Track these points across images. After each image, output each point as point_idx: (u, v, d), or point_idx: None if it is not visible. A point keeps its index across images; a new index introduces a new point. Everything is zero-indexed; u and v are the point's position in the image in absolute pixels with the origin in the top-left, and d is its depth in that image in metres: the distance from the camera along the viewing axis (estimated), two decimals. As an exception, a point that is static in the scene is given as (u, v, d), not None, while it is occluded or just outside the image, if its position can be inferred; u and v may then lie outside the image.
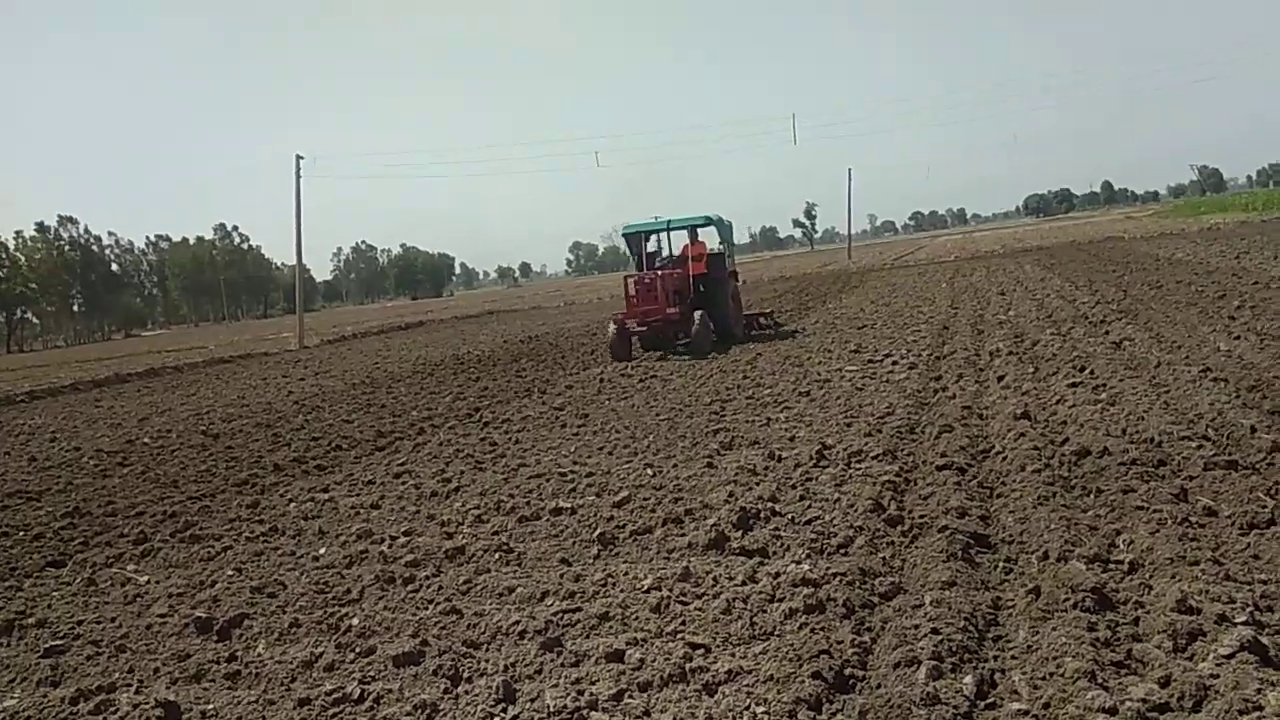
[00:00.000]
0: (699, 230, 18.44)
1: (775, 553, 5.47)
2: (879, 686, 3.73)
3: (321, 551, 6.65)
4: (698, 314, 16.72)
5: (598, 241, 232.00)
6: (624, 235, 19.06)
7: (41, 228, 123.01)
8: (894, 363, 12.34)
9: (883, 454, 7.33)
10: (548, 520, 6.78)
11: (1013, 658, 3.89)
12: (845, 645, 4.07)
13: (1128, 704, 3.30)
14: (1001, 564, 4.96)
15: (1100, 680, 3.48)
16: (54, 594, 6.45)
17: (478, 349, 25.29)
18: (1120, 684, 3.49)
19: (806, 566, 5.00)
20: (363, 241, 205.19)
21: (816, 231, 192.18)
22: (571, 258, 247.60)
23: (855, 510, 5.95)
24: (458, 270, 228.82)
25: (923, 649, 3.87)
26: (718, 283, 18.13)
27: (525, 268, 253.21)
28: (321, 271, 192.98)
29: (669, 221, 18.32)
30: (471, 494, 7.92)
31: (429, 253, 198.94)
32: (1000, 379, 10.04)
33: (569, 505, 7.03)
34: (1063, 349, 11.57)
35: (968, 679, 3.66)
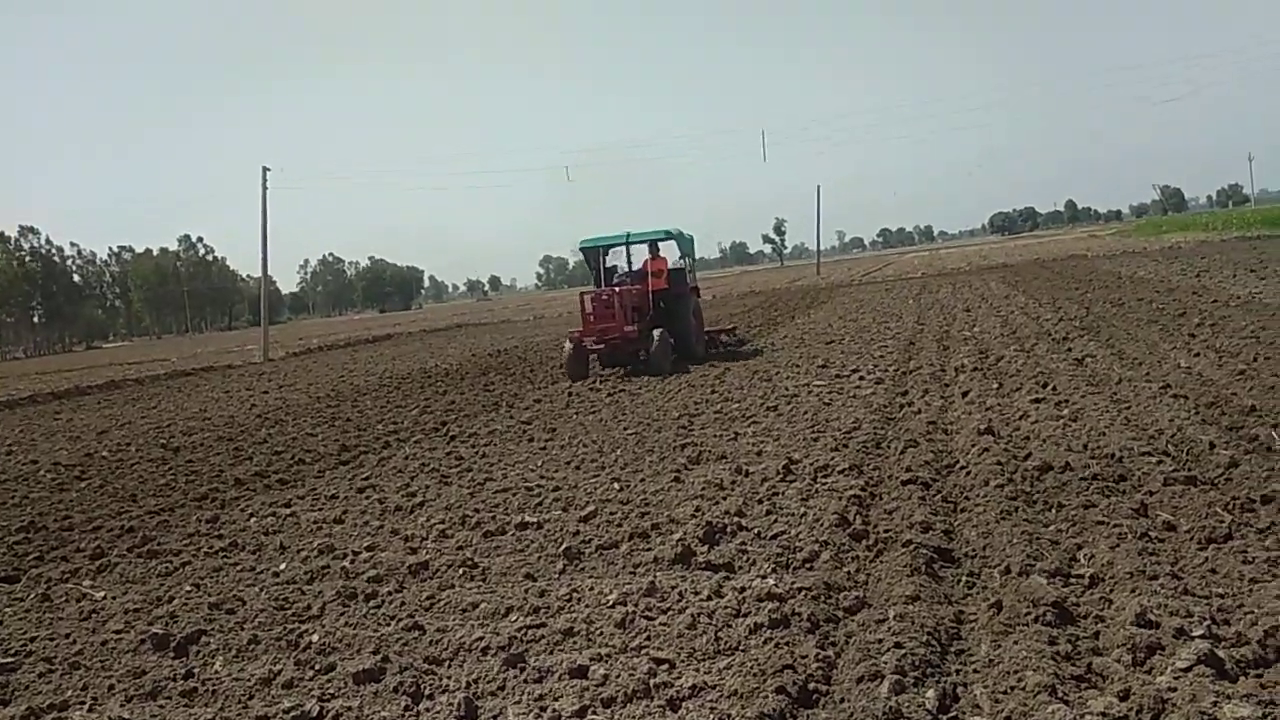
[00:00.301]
0: (659, 245, 18.10)
1: (741, 567, 5.46)
2: (842, 701, 3.73)
3: (282, 567, 6.55)
4: (657, 332, 16.00)
5: (568, 255, 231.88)
6: (581, 249, 18.47)
7: (1, 238, 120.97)
8: (861, 378, 12.41)
9: (849, 469, 7.36)
10: (513, 535, 6.73)
11: (975, 671, 3.91)
12: (809, 660, 4.07)
13: (1087, 717, 3.32)
14: (965, 578, 4.99)
15: (1061, 694, 3.50)
16: (6, 610, 6.29)
17: (445, 362, 25.14)
18: (1080, 698, 3.51)
19: (772, 581, 5.00)
20: (330, 254, 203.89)
21: (786, 247, 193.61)
22: (542, 271, 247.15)
23: (821, 525, 5.96)
24: (426, 283, 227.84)
25: (886, 663, 3.88)
26: (679, 299, 17.57)
27: (495, 281, 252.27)
28: (288, 284, 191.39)
29: (628, 235, 17.79)
30: (436, 508, 7.84)
31: (398, 265, 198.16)
32: (965, 394, 10.14)
33: (535, 520, 6.98)
34: (1026, 365, 11.71)
35: (930, 693, 3.67)
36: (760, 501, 6.76)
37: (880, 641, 4.13)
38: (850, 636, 4.35)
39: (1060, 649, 3.90)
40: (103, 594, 6.36)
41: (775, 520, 6.23)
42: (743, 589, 4.96)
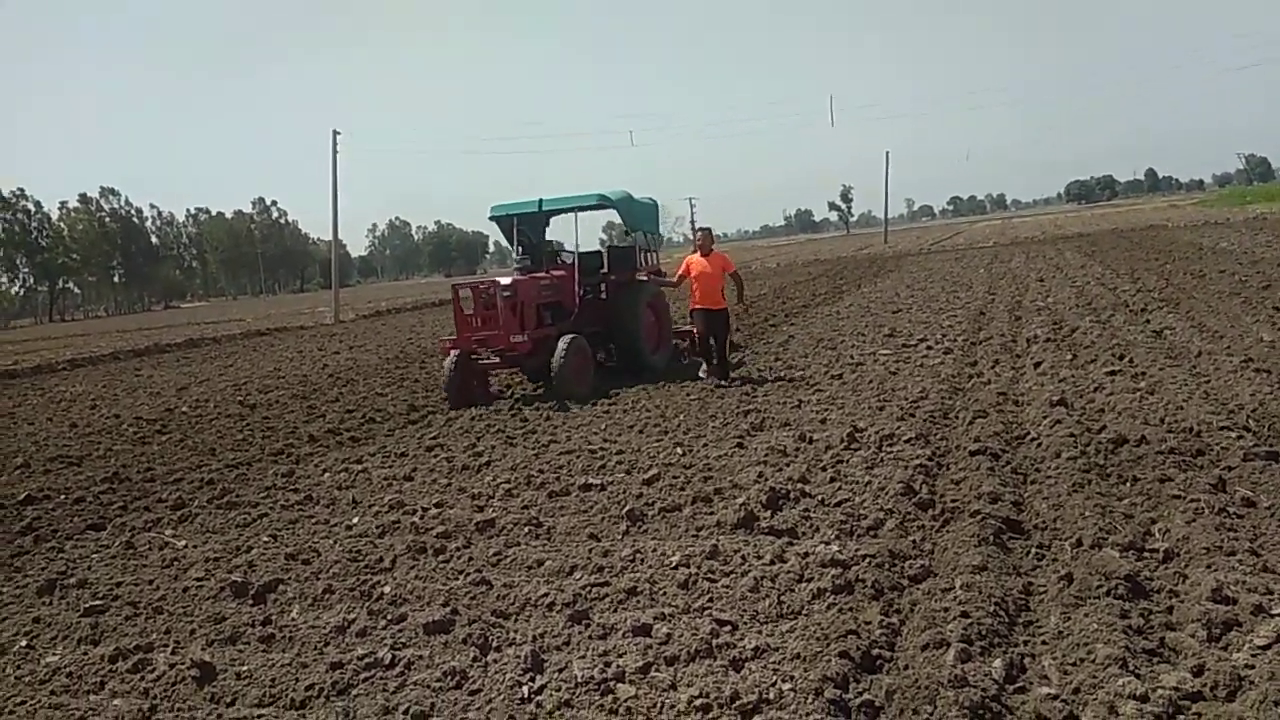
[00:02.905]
0: (589, 213, 13.29)
1: (804, 533, 5.47)
2: (906, 668, 3.73)
3: (354, 521, 6.74)
4: (563, 340, 11.23)
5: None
6: (493, 219, 13.33)
7: (84, 199, 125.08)
8: (928, 347, 12.23)
9: (915, 438, 7.28)
10: (577, 496, 6.82)
11: (1043, 643, 3.87)
12: (873, 626, 4.07)
13: (1160, 692, 3.26)
14: (1034, 550, 4.92)
15: (1132, 667, 3.45)
16: (94, 556, 6.59)
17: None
18: (1152, 672, 3.45)
19: (835, 547, 5.00)
20: (397, 218, 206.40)
21: (853, 215, 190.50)
22: (605, 237, 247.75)
23: (886, 493, 5.93)
24: (491, 248, 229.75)
25: (952, 631, 3.86)
26: (624, 289, 12.88)
27: (560, 245, 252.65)
28: (357, 247, 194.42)
29: (540, 202, 12.89)
30: (502, 468, 7.97)
31: (463, 230, 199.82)
32: (1037, 365, 9.92)
33: (598, 482, 7.06)
34: (1102, 336, 11.41)
35: (996, 662, 3.64)
36: (824, 469, 6.73)
37: (946, 610, 4.11)
38: (915, 604, 4.33)
39: (1132, 623, 3.83)
40: (184, 543, 6.62)
41: (839, 488, 6.21)
42: (806, 554, 4.97)
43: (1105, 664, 3.46)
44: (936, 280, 25.15)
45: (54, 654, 4.80)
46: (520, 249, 13.07)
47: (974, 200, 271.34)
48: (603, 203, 12.82)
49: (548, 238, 13.65)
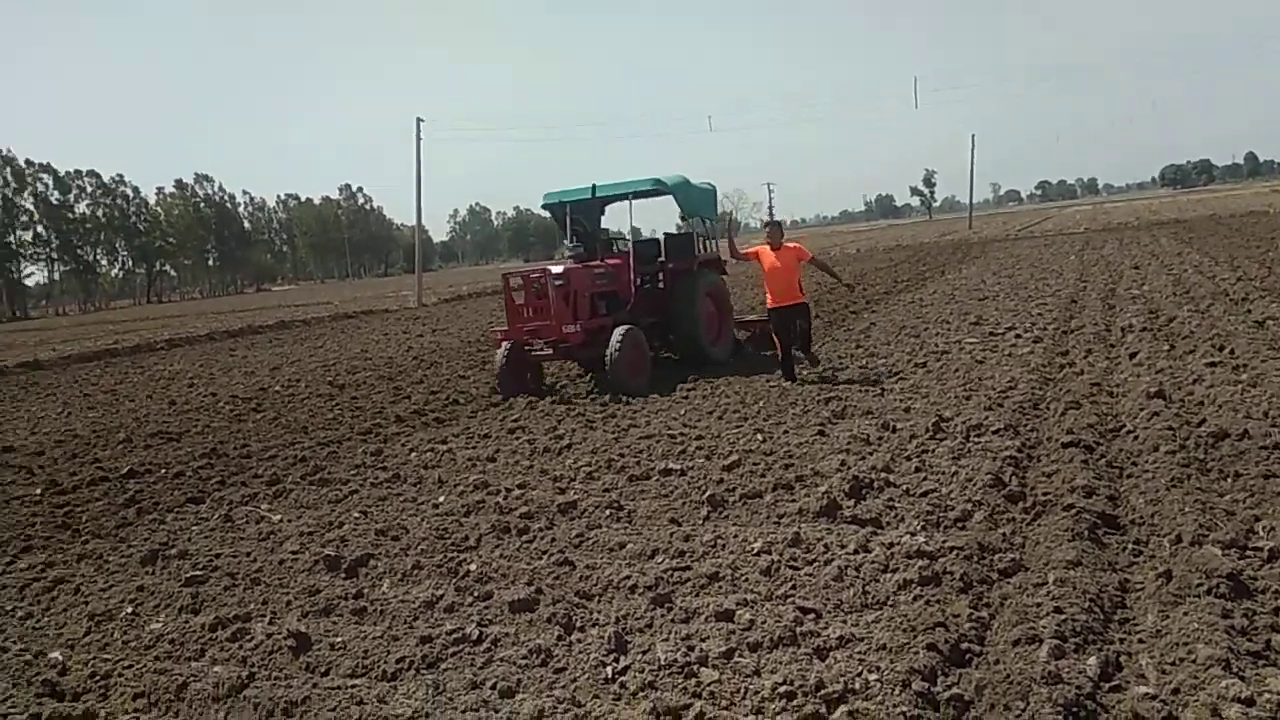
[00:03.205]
0: (648, 199, 13.03)
1: (889, 523, 5.40)
2: (997, 662, 3.66)
3: (441, 499, 6.88)
4: (618, 331, 10.88)
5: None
6: (545, 207, 13.01)
7: (180, 185, 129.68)
8: (1017, 336, 11.92)
9: (1004, 428, 7.12)
10: (657, 480, 6.85)
11: (1140, 641, 3.76)
12: (962, 619, 4.00)
13: (1266, 696, 3.14)
14: (1130, 546, 4.78)
15: (1235, 669, 3.33)
16: (194, 528, 6.87)
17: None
18: (1258, 674, 3.33)
19: (922, 538, 4.93)
20: (478, 203, 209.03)
21: (935, 200, 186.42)
22: (681, 224, 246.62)
23: (974, 484, 5.82)
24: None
25: (1044, 627, 3.78)
26: (682, 277, 12.44)
27: (636, 232, 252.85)
28: (439, 233, 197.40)
29: (593, 188, 12.39)
30: (583, 451, 8.05)
31: (541, 216, 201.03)
32: (1132, 356, 9.60)
33: (678, 467, 7.07)
34: (1201, 327, 10.96)
35: (1092, 660, 3.55)
36: (909, 458, 6.63)
37: (1039, 605, 4.02)
38: (1005, 599, 4.25)
39: (1235, 623, 3.70)
40: (279, 517, 6.86)
41: (925, 478, 6.11)
42: (891, 545, 4.91)
43: (1206, 665, 3.34)
44: (1024, 267, 24.47)
45: (157, 621, 5.02)
46: (574, 237, 12.63)
47: (1063, 184, 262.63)
48: (658, 188, 12.37)
49: (610, 225, 13.45)
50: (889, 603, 4.28)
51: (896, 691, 3.45)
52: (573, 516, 6.20)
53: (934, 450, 6.78)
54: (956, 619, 4.01)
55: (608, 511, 6.18)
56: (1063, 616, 3.85)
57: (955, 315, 15.03)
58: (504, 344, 11.34)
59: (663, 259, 12.80)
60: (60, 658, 4.57)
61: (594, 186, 12.33)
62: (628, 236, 13.06)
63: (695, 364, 12.00)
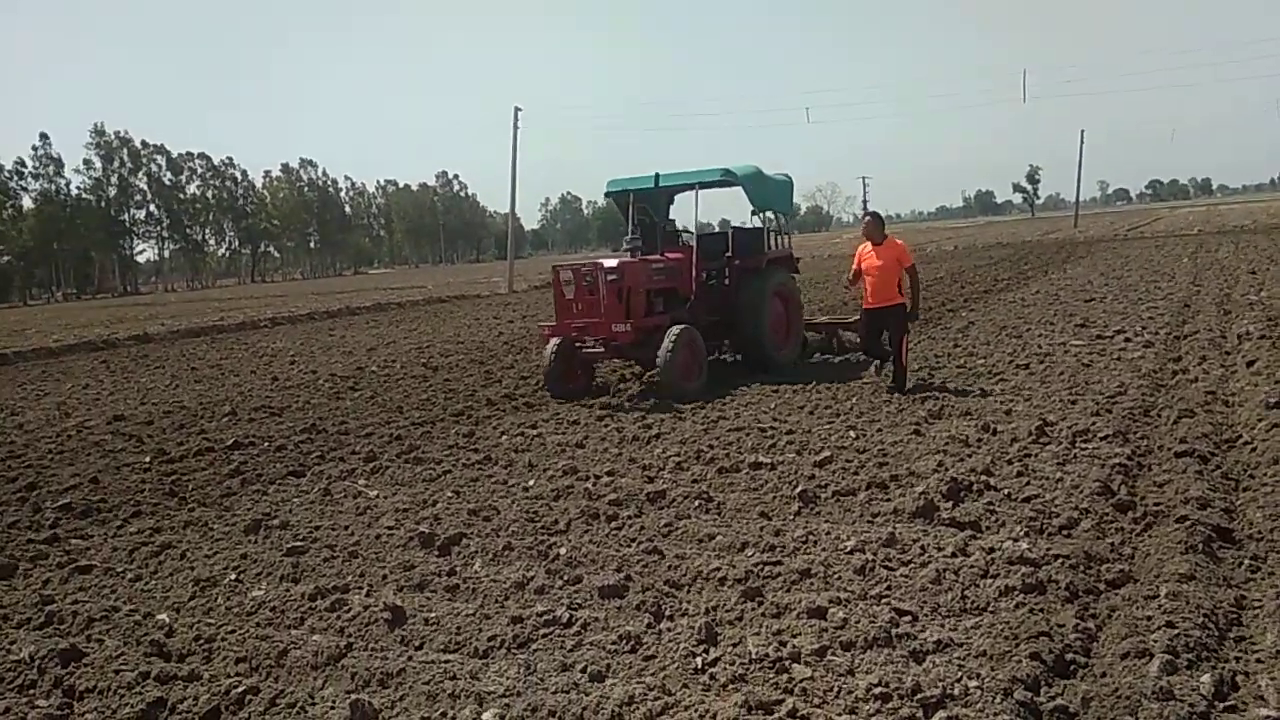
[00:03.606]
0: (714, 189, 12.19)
1: (989, 527, 5.23)
2: (1104, 675, 3.51)
3: (531, 483, 6.95)
4: (672, 331, 10.22)
5: (799, 200, 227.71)
6: (609, 196, 12.53)
7: (286, 169, 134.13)
8: (1126, 340, 11.45)
9: (1112, 435, 6.84)
10: (747, 473, 6.79)
11: (1258, 661, 3.56)
12: (1067, 629, 3.85)
13: (1404, 729, 2.94)
14: (1247, 561, 4.53)
15: (1370, 699, 3.12)
16: (294, 500, 7.09)
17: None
18: (1394, 706, 3.11)
19: (1025, 545, 4.76)
20: (569, 192, 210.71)
21: (1039, 197, 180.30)
22: (772, 216, 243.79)
23: (1080, 491, 5.60)
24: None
25: (1155, 641, 3.61)
26: (749, 275, 11.74)
27: (724, 224, 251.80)
28: (530, 221, 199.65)
29: (656, 177, 11.78)
30: (671, 441, 8.03)
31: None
32: (1250, 364, 9.11)
33: (768, 460, 7.00)
34: (1328, 336, 10.35)
35: (1205, 677, 3.38)
36: (1010, 462, 6.42)
37: (1149, 619, 3.84)
38: (1114, 610, 4.07)
39: (1368, 650, 3.47)
40: (375, 493, 7.02)
41: (1028, 483, 5.91)
42: (991, 550, 4.75)
43: (1337, 692, 3.14)
44: (1134, 268, 23.52)
45: (259, 589, 5.18)
46: (638, 228, 12.00)
47: (1175, 184, 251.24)
48: (727, 178, 11.65)
49: (675, 216, 12.79)
50: (989, 609, 4.14)
51: (997, 700, 3.33)
52: (661, 506, 6.18)
53: (1037, 455, 6.55)
54: (1061, 629, 3.86)
55: (697, 502, 6.15)
56: (1175, 631, 3.67)
57: (1059, 316, 14.52)
58: (552, 340, 10.73)
59: (729, 255, 12.01)
60: (167, 620, 4.75)
61: (657, 175, 11.73)
62: (692, 229, 12.32)
63: (758, 368, 11.37)
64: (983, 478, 6.01)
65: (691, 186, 11.99)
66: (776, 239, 12.50)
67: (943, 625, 4.01)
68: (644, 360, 11.13)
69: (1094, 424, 7.19)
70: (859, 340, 10.27)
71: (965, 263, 32.81)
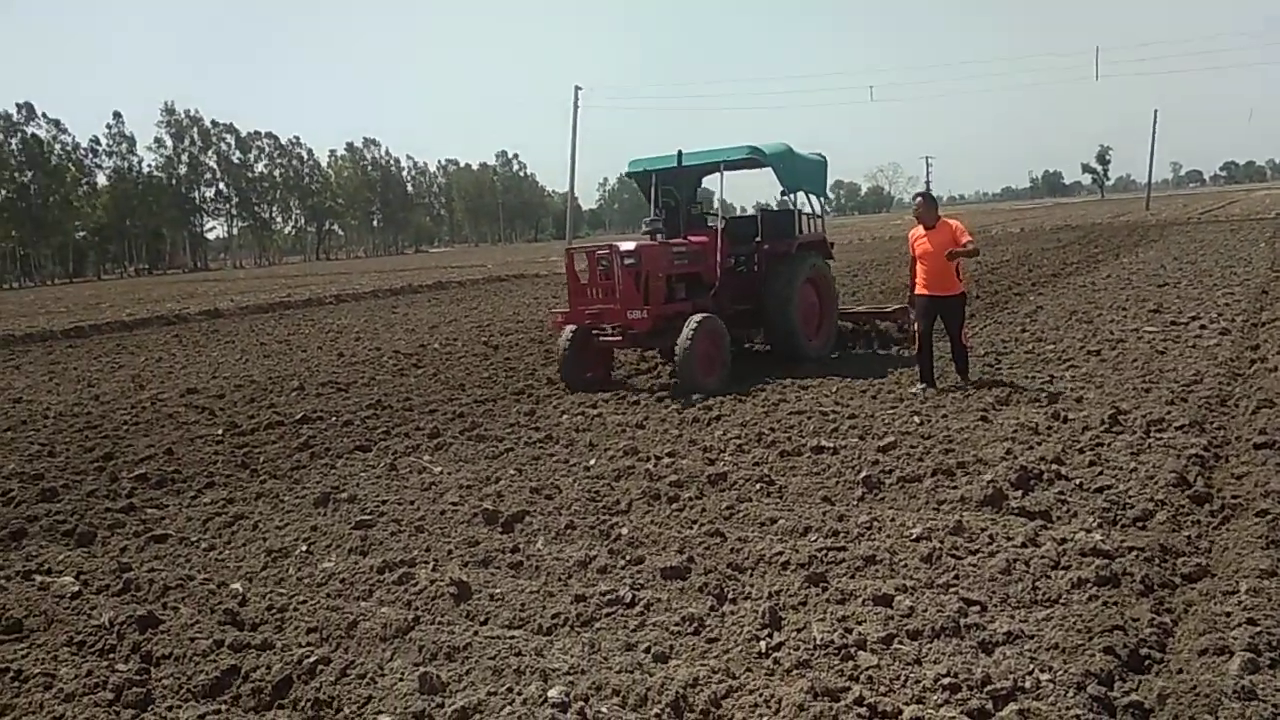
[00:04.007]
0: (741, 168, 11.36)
1: (1060, 518, 5.12)
2: (1181, 672, 3.42)
3: (592, 462, 6.98)
4: (693, 320, 9.56)
5: (860, 180, 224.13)
6: (630, 176, 12.14)
7: (350, 148, 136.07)
8: (1202, 326, 11.10)
9: (1188, 425, 6.64)
10: (809, 457, 6.73)
11: (1346, 663, 3.43)
12: (1142, 624, 3.76)
13: None
14: (1335, 560, 4.37)
15: None
16: (361, 474, 7.21)
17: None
18: None
19: (1098, 536, 4.65)
20: (626, 173, 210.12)
21: (1109, 179, 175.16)
22: (832, 196, 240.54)
23: (1155, 483, 5.45)
24: (715, 205, 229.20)
25: (1236, 639, 3.50)
26: (779, 261, 11.07)
27: (729, 208, 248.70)
28: (588, 200, 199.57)
29: (679, 155, 11.06)
30: (732, 423, 8.00)
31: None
32: (1336, 354, 8.77)
33: (830, 445, 6.93)
34: None
35: (1291, 679, 3.27)
36: (1081, 451, 6.28)
37: (1228, 615, 3.73)
38: (1190, 605, 3.96)
39: None
40: (440, 469, 7.11)
41: (1100, 472, 5.77)
42: (1063, 540, 4.65)
43: None
44: (1209, 253, 22.75)
45: (329, 560, 5.29)
46: (662, 210, 11.26)
47: (1252, 166, 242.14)
48: (754, 157, 10.92)
49: (707, 198, 12.25)
50: (1061, 601, 4.06)
51: (1070, 694, 3.27)
52: (722, 488, 6.17)
53: (1110, 444, 6.39)
54: (1136, 623, 3.77)
55: (758, 485, 6.12)
56: (1257, 629, 3.56)
57: (1132, 301, 14.12)
58: (567, 328, 10.21)
59: (759, 239, 11.30)
60: (241, 589, 4.87)
61: (680, 154, 11.00)
62: (718, 211, 11.82)
63: (789, 359, 10.75)
64: (1053, 467, 5.89)
65: (716, 167, 11.32)
66: (809, 222, 11.75)
67: (1012, 616, 3.94)
68: (664, 350, 10.85)
69: (1169, 413, 6.99)
70: (907, 331, 9.50)
71: (1032, 245, 32.06)
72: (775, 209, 12.12)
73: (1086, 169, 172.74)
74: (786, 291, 10.68)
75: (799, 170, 11.42)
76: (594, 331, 10.15)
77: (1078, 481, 5.63)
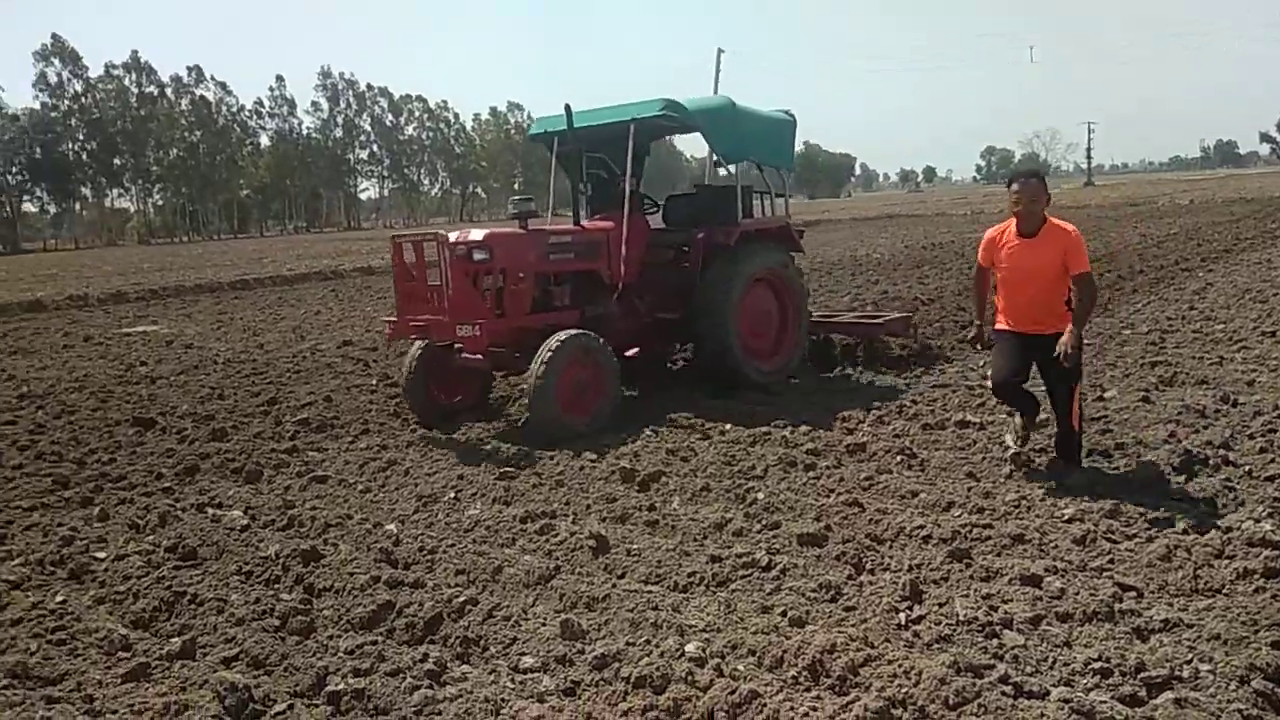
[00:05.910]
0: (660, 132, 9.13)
1: (1226, 506, 4.83)
2: (1360, 675, 3.19)
3: (728, 427, 6.98)
4: (554, 339, 6.99)
5: (1014, 147, 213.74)
6: (533, 139, 9.37)
7: (494, 112, 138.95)
8: (1397, 310, 10.18)
9: (1375, 414, 6.13)
10: (953, 431, 6.56)
11: None
12: (1315, 621, 3.52)
13: None
14: None
15: None
16: (505, 428, 7.43)
17: (876, 252, 24.76)
18: None
19: (1269, 526, 4.36)
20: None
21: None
22: (982, 163, 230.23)
23: (1335, 473, 5.06)
24: (858, 171, 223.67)
25: None
26: (717, 254, 8.22)
27: (930, 171, 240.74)
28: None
29: (568, 109, 8.04)
30: (870, 394, 7.86)
31: (830, 152, 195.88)
32: None
33: (977, 420, 6.72)
34: None
35: None
36: (1252, 437, 5.88)
37: None
38: (1372, 605, 3.68)
39: None
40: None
41: (1272, 460, 5.40)
42: (1229, 529, 4.40)
43: None
44: None
45: (475, 508, 5.50)
46: (588, 186, 8.79)
47: None
48: (668, 115, 8.09)
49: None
50: (1224, 591, 3.85)
51: (1231, 686, 3.10)
52: (861, 459, 6.09)
53: (1285, 430, 5.97)
54: (1308, 620, 3.54)
55: (899, 458, 6.01)
56: None
57: (1314, 281, 13.06)
58: (416, 346, 7.75)
59: (695, 227, 8.50)
60: (395, 530, 5.14)
61: (568, 109, 7.98)
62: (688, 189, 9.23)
63: (725, 385, 8.15)
64: (1220, 452, 5.55)
65: (621, 128, 8.07)
66: (762, 202, 9.09)
67: (1171, 604, 3.76)
68: (513, 368, 7.98)
69: (1356, 401, 6.46)
70: (990, 378, 6.00)
71: (1202, 218, 29.97)
72: (712, 184, 9.25)
73: (1265, 138, 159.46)
74: (721, 295, 7.99)
75: (744, 132, 8.54)
76: (455, 347, 7.53)
77: (1247, 469, 5.29)
